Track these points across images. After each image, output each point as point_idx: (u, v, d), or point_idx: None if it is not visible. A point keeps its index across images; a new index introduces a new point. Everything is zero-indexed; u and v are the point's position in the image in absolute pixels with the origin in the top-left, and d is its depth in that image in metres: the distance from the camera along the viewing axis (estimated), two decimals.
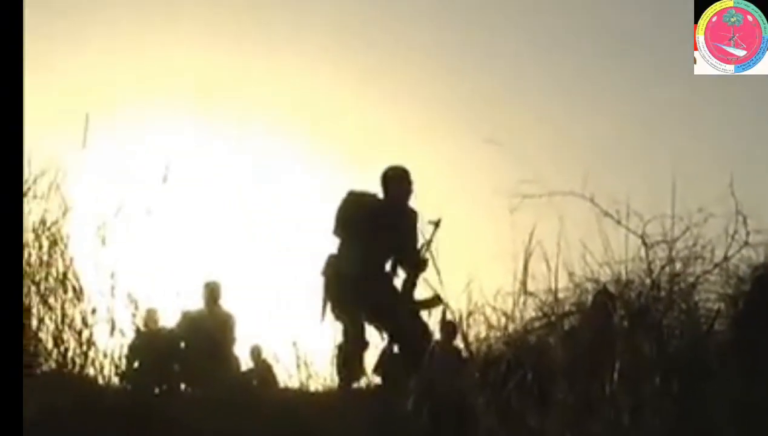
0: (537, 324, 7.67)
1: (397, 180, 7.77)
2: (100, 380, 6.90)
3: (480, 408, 5.17)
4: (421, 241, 7.79)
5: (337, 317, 7.55)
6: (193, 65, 14.73)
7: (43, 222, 7.13)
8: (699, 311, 8.26)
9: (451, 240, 9.94)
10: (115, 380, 7.17)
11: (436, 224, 7.77)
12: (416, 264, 7.71)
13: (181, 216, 9.12)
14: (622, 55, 15.33)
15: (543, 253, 7.17)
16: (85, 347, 6.95)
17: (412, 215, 7.78)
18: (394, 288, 7.74)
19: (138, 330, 8.77)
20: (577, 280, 8.18)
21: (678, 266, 8.75)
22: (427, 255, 7.75)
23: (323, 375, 8.06)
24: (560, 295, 8.13)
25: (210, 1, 15.15)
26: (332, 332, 7.64)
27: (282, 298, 9.51)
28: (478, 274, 9.48)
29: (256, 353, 12.24)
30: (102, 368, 6.97)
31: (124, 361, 7.40)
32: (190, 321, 10.43)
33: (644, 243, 8.85)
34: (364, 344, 7.66)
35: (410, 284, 7.77)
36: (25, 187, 7.08)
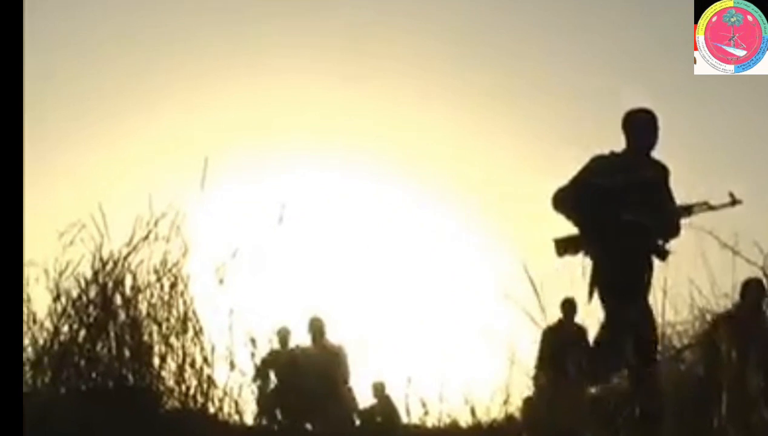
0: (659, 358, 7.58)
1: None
2: (220, 417, 7.01)
3: None
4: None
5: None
6: (311, 105, 14.95)
7: (164, 263, 7.29)
8: None
9: (562, 274, 9.91)
10: (236, 417, 7.28)
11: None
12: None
13: (297, 256, 9.27)
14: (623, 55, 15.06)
15: (653, 285, 7.10)
16: (205, 386, 7.08)
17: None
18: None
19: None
20: (697, 312, 8.08)
21: None
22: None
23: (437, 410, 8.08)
24: (678, 328, 8.05)
25: (325, 42, 15.39)
26: (445, 365, 7.66)
27: (397, 333, 9.61)
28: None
29: (379, 388, 12.29)
30: (222, 405, 7.09)
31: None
32: (298, 356, 10.55)
33: (765, 274, 8.70)
34: None
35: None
36: (146, 230, 7.27)
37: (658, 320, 6.95)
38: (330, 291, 10.59)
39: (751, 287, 7.94)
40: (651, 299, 7.08)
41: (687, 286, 8.18)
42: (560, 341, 9.89)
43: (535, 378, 9.96)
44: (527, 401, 9.68)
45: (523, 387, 9.65)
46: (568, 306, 10.39)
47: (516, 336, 9.84)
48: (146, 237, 7.27)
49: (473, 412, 8.40)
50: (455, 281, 10.84)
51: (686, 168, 7.45)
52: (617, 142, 6.91)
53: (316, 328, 10.87)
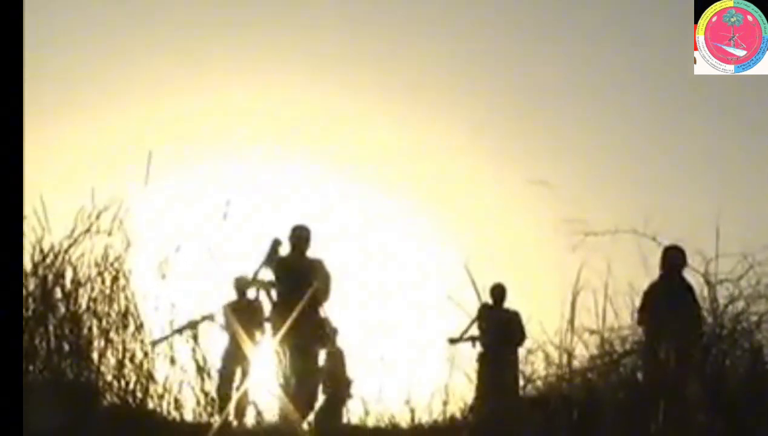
0: (597, 363, 7.65)
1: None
2: (159, 413, 6.95)
3: None
4: None
5: None
6: (254, 102, 14.88)
7: (105, 257, 7.21)
8: (763, 349, 8.16)
9: (512, 278, 9.97)
10: (175, 414, 7.22)
11: None
12: None
13: (241, 252, 9.20)
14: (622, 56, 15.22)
15: (594, 291, 7.17)
16: (145, 381, 7.02)
17: None
18: None
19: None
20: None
21: (741, 304, 8.67)
22: None
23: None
24: (621, 333, 8.12)
25: (273, 40, 15.30)
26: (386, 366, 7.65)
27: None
28: (537, 312, 9.51)
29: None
30: (161, 402, 7.03)
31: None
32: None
33: (707, 282, 8.79)
34: None
35: None
36: (88, 223, 7.19)
37: (599, 324, 7.05)
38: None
39: (670, 254, 7.96)
40: (591, 304, 7.20)
41: (629, 292, 8.26)
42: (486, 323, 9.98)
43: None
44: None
45: (463, 388, 9.71)
46: (498, 291, 10.39)
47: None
48: (88, 230, 7.18)
49: (413, 413, 8.43)
50: (397, 281, 10.84)
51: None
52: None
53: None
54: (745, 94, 13.26)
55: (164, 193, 7.83)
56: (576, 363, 7.87)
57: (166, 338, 8.18)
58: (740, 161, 14.15)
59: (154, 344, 7.30)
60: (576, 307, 7.40)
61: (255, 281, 8.36)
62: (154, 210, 7.56)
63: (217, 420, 6.98)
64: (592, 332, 7.99)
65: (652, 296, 7.55)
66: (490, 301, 10.06)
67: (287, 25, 15.46)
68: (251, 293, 10.53)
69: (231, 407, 8.41)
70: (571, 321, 7.24)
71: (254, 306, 10.64)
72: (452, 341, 9.88)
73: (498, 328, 9.75)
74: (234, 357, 9.41)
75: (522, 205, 12.65)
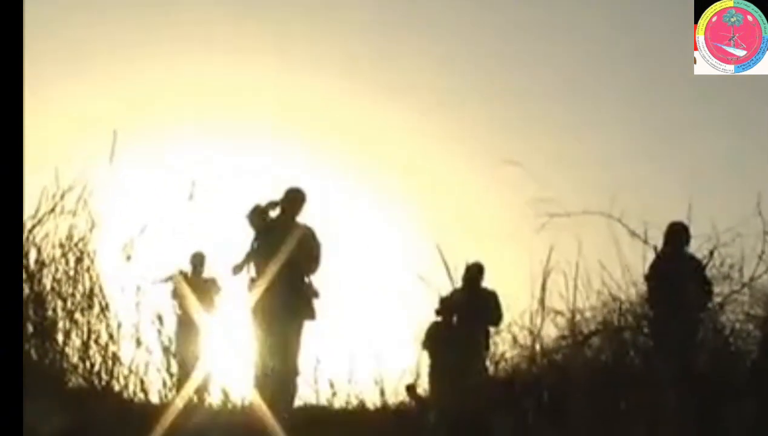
0: (563, 343, 7.68)
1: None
2: (125, 395, 6.92)
3: (497, 425, 5.16)
4: None
5: None
6: (221, 83, 14.79)
7: (70, 237, 7.15)
8: (726, 330, 8.22)
9: (478, 258, 9.95)
10: (141, 395, 7.18)
11: None
12: None
13: (206, 233, 9.15)
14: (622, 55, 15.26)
15: (568, 272, 7.18)
16: (110, 363, 6.98)
17: None
18: None
19: None
20: (603, 299, 8.19)
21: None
22: None
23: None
24: (587, 314, 8.15)
25: (241, 21, 15.20)
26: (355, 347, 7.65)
27: None
28: (504, 293, 9.52)
29: None
30: (127, 383, 6.99)
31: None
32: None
33: None
34: None
35: None
36: (52, 203, 7.12)
37: (569, 305, 7.08)
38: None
39: (674, 230, 8.15)
40: (562, 285, 7.24)
41: (598, 272, 8.29)
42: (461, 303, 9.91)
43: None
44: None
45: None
46: (475, 270, 10.24)
47: (428, 318, 9.90)
48: (52, 210, 7.12)
49: (382, 393, 8.42)
50: (368, 262, 10.81)
51: (713, 187, 7.60)
52: (637, 160, 7.10)
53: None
54: (745, 94, 13.34)
55: (130, 173, 7.77)
56: (543, 344, 7.90)
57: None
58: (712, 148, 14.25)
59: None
60: (546, 287, 7.41)
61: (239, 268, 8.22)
62: (119, 190, 7.50)
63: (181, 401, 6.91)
64: (557, 312, 8.01)
65: (658, 268, 7.76)
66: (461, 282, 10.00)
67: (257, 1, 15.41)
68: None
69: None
70: (542, 301, 7.24)
71: (208, 284, 10.64)
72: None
73: (472, 308, 9.70)
74: (185, 337, 9.24)
75: (494, 186, 12.67)
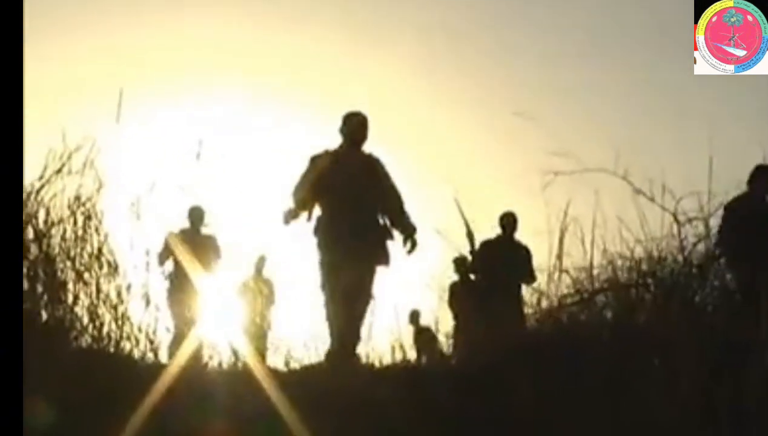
0: (569, 301, 7.68)
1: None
2: (135, 355, 6.94)
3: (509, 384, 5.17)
4: None
5: None
6: (227, 41, 14.74)
7: (77, 198, 7.15)
8: (732, 287, 8.22)
9: (485, 215, 9.96)
10: (150, 355, 7.21)
11: None
12: None
13: (214, 192, 9.15)
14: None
15: (576, 229, 7.16)
16: (120, 322, 7.00)
17: None
18: None
19: None
20: (610, 257, 8.18)
21: (710, 242, 8.72)
22: None
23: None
24: (594, 271, 8.14)
25: None
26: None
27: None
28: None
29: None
30: (137, 342, 7.01)
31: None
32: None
33: (676, 220, 8.83)
34: None
35: None
36: (59, 163, 7.11)
37: (586, 261, 7.07)
38: (247, 227, 10.51)
39: (761, 172, 8.26)
40: (555, 244, 7.21)
41: (613, 227, 8.27)
42: (496, 254, 9.73)
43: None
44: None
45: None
46: (508, 220, 9.93)
47: (446, 271, 9.90)
48: (59, 170, 7.11)
49: (402, 348, 8.41)
50: None
51: (721, 143, 7.59)
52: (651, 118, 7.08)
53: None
54: (745, 94, 13.38)
55: (137, 132, 7.77)
56: (550, 302, 7.90)
57: None
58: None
59: None
60: (564, 243, 7.37)
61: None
62: (126, 149, 7.50)
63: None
64: (563, 270, 8.00)
65: (734, 211, 7.81)
66: (497, 231, 9.76)
67: None
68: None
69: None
70: (560, 256, 7.21)
71: (207, 242, 10.57)
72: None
73: (508, 260, 9.51)
74: (180, 298, 9.12)
75: (507, 139, 12.65)
